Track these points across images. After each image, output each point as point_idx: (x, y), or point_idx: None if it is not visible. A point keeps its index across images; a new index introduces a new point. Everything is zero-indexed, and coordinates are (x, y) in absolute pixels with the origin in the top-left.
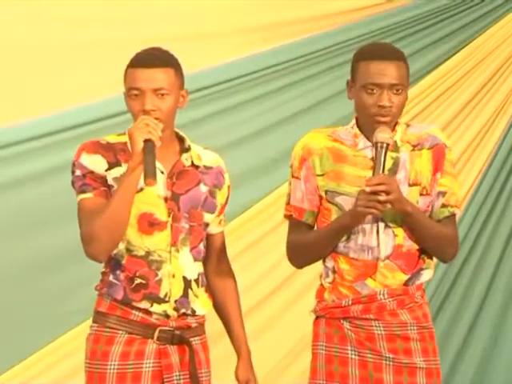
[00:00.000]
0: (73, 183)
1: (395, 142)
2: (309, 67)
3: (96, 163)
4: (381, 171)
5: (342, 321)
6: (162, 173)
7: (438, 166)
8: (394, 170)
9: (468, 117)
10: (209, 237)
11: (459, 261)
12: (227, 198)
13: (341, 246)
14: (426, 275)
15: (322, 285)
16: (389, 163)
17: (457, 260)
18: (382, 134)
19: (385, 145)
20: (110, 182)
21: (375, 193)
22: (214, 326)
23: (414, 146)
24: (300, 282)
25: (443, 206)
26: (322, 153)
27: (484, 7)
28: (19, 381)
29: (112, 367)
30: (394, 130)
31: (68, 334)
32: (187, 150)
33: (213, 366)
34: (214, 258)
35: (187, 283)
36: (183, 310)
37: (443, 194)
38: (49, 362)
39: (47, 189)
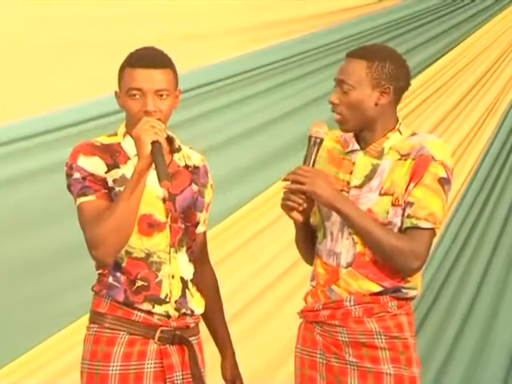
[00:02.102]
0: (70, 186)
1: (383, 148)
2: (300, 67)
3: (95, 165)
4: (310, 164)
5: (314, 324)
6: None
7: (414, 176)
8: (370, 176)
9: (458, 117)
10: None
11: (450, 259)
12: (211, 197)
13: (318, 247)
14: (408, 294)
15: (309, 287)
16: (367, 169)
17: (447, 259)
18: (313, 128)
19: (312, 139)
20: (111, 184)
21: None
22: (203, 328)
23: (402, 156)
24: (290, 283)
25: (408, 216)
26: (322, 153)
27: (474, 7)
28: (9, 381)
29: (114, 368)
30: (385, 136)
31: (57, 335)
32: (178, 150)
33: (207, 364)
34: (198, 257)
35: (184, 283)
36: (183, 310)
37: (410, 204)
38: (39, 363)
39: (37, 189)
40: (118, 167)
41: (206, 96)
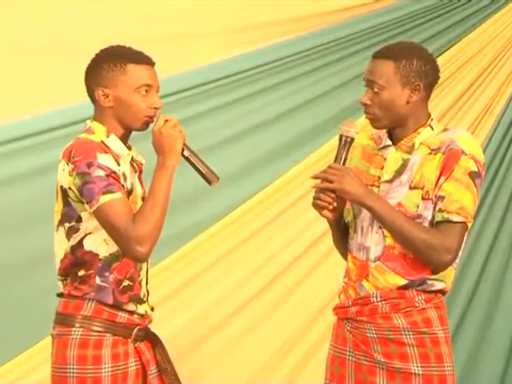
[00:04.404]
0: (87, 184)
1: (413, 143)
2: (296, 67)
3: (112, 163)
4: (340, 163)
5: (344, 321)
6: (136, 171)
7: (444, 170)
8: (401, 170)
9: (456, 116)
10: None
11: None
12: None
13: (350, 242)
14: (434, 286)
15: (342, 284)
16: (397, 164)
17: None
18: (343, 127)
19: (343, 138)
20: (122, 181)
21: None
22: (200, 328)
23: (432, 150)
24: (286, 284)
25: (439, 210)
26: (355, 149)
27: (470, 7)
28: (5, 381)
29: (107, 370)
30: (416, 131)
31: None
32: (130, 147)
33: (203, 365)
34: None
35: (147, 281)
36: (152, 307)
37: (441, 198)
38: (34, 364)
39: (32, 189)
40: (119, 165)
41: (203, 96)
